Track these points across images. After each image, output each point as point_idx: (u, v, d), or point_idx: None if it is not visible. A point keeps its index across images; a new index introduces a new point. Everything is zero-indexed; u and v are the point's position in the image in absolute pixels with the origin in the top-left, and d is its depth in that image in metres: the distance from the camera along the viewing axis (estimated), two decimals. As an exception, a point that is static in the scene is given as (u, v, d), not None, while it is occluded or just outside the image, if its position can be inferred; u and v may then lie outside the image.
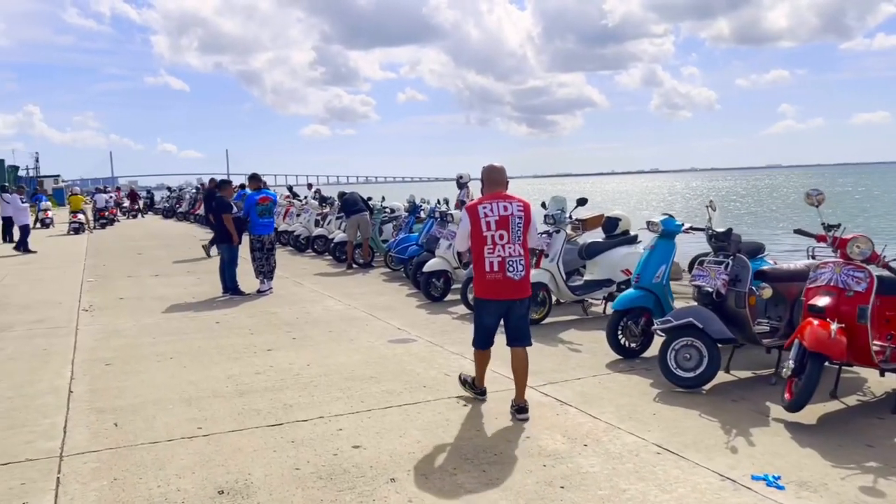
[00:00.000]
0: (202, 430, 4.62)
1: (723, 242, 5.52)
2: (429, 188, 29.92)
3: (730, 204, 44.86)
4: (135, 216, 36.67)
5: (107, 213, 28.40)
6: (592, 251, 8.11)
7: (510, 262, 4.75)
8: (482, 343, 5.01)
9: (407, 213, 13.07)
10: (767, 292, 5.25)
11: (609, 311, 8.21)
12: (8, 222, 20.61)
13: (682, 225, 6.40)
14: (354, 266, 13.02)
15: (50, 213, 28.01)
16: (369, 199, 15.74)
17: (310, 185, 24.07)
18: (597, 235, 8.66)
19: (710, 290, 5.38)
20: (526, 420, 4.73)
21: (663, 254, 6.30)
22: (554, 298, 7.96)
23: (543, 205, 8.26)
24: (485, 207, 4.82)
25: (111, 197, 33.21)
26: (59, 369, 6.25)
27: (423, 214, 12.84)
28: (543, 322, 7.77)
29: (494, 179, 4.98)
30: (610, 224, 8.31)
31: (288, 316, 8.58)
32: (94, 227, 25.73)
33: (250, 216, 10.30)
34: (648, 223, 6.46)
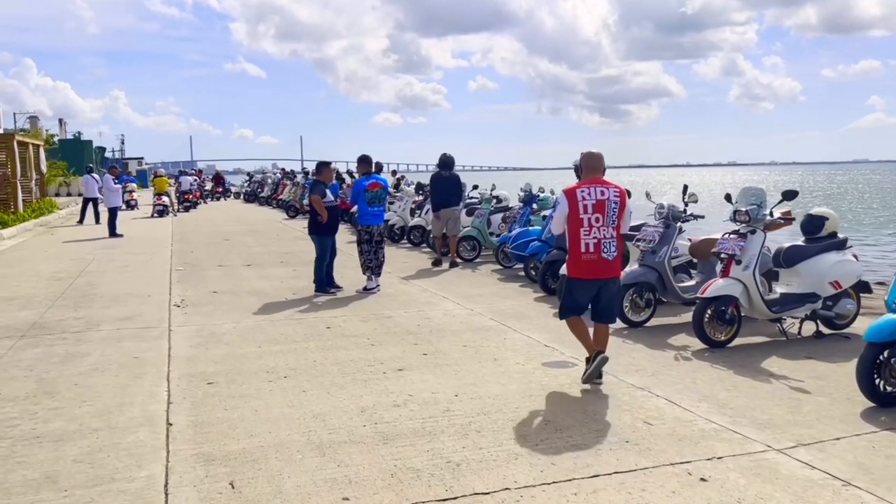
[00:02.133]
0: (351, 505, 3.32)
1: None
2: (503, 178, 29.18)
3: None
4: (218, 199, 36.46)
5: (191, 197, 28.05)
6: (792, 257, 6.48)
7: (605, 244, 5.01)
8: (570, 313, 5.22)
9: (522, 204, 11.61)
10: None
11: (806, 332, 6.61)
12: (88, 203, 20.24)
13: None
14: (459, 261, 11.65)
15: (135, 195, 27.92)
16: (475, 186, 14.34)
17: (394, 173, 22.90)
18: (784, 235, 7.02)
19: None
20: (600, 383, 5.05)
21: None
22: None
23: (728, 197, 6.66)
24: (583, 191, 5.06)
25: (196, 180, 32.88)
26: (152, 388, 5.11)
27: (535, 206, 11.41)
28: (731, 345, 6.21)
29: (593, 166, 5.21)
30: (812, 224, 6.66)
31: (407, 322, 7.29)
32: (178, 210, 25.36)
33: (358, 204, 9.07)
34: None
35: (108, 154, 61.35)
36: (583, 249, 4.99)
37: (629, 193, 5.57)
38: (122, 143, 68.82)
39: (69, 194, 33.64)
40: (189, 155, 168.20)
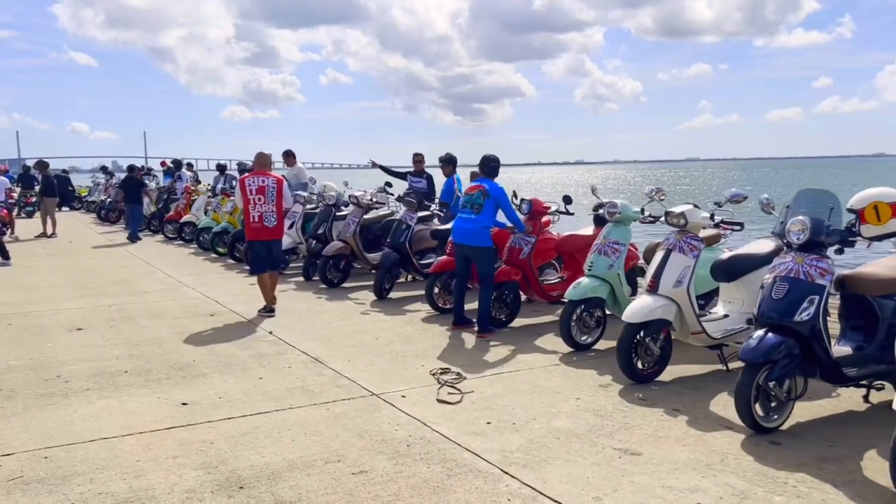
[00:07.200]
0: None
1: None
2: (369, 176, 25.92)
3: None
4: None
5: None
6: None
7: (266, 216, 7.44)
8: (258, 270, 7.63)
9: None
10: None
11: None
12: None
13: None
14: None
15: None
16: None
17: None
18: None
19: None
20: (272, 315, 7.41)
21: None
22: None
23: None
24: (249, 181, 7.46)
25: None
26: None
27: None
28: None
29: (261, 162, 7.72)
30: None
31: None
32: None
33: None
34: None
35: None
36: (251, 220, 7.42)
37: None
38: None
39: None
40: (16, 152, 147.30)
